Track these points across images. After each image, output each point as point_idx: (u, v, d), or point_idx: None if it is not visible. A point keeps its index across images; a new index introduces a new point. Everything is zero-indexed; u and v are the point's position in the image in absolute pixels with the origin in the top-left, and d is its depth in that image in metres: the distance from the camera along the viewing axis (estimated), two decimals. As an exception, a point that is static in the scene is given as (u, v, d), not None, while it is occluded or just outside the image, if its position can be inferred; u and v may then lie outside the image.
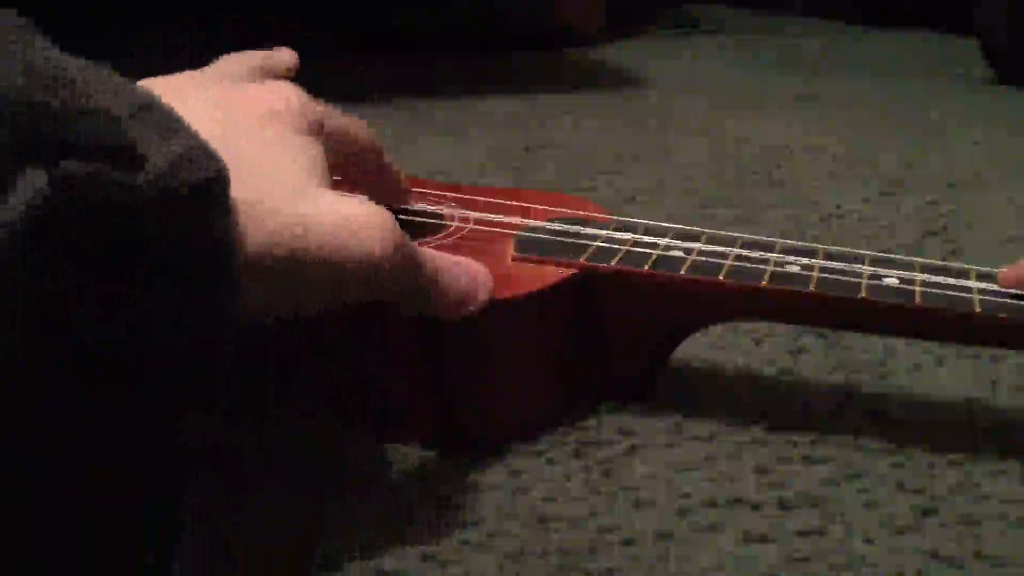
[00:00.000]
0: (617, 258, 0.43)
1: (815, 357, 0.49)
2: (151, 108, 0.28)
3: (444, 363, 0.40)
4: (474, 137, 0.92)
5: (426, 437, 0.41)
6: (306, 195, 0.33)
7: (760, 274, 0.42)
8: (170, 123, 0.28)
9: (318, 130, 0.37)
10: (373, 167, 0.43)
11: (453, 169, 0.81)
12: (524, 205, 0.49)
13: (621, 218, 0.48)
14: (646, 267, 0.43)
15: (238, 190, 0.29)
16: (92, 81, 0.27)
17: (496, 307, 0.39)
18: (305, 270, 0.31)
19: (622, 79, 1.21)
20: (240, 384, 0.39)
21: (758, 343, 0.50)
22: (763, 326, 0.51)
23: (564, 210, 0.49)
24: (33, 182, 0.24)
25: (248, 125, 0.34)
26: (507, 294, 0.40)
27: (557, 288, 0.42)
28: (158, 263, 0.26)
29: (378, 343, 0.41)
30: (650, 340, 0.44)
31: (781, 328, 0.51)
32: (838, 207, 0.72)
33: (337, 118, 0.40)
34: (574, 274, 0.42)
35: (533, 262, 0.43)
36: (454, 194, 0.51)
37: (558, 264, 0.43)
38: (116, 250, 0.26)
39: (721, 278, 0.42)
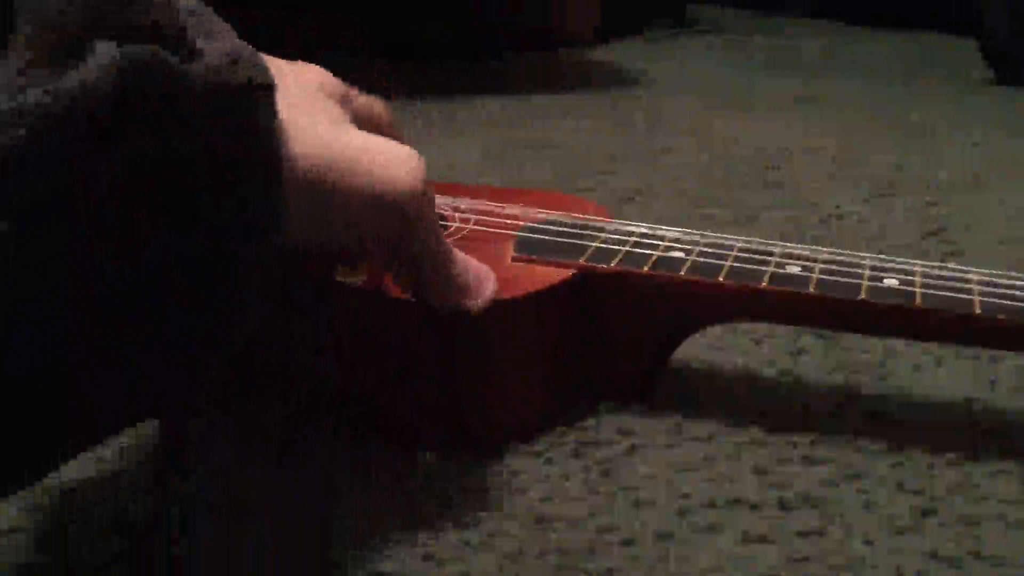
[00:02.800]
0: (617, 259, 0.43)
1: (815, 358, 0.49)
2: (203, 12, 0.29)
3: (444, 363, 0.40)
4: (469, 137, 0.92)
5: (426, 437, 0.41)
6: (340, 126, 0.34)
7: (760, 275, 0.42)
8: (223, 29, 0.29)
9: (347, 104, 0.38)
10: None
11: (449, 169, 0.81)
12: (524, 205, 0.49)
13: (621, 219, 0.48)
14: (646, 268, 0.43)
15: (279, 107, 0.30)
16: None
17: (496, 307, 0.38)
18: (342, 190, 0.33)
19: (619, 80, 1.21)
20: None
21: (758, 344, 0.50)
22: (763, 327, 0.51)
23: (564, 210, 0.49)
24: (106, 52, 0.25)
25: (286, 85, 0.35)
26: (507, 294, 0.40)
27: (557, 289, 0.42)
28: (207, 154, 0.27)
29: (381, 345, 0.41)
30: (650, 341, 0.44)
31: (781, 329, 0.51)
32: (837, 208, 0.72)
33: (360, 96, 0.41)
34: (574, 274, 0.42)
35: (533, 262, 0.43)
36: (454, 193, 0.51)
37: (558, 265, 0.43)
38: (169, 134, 0.27)
39: (721, 279, 0.42)
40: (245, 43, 0.29)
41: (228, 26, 0.30)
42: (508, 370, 0.41)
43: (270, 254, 0.30)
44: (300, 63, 0.39)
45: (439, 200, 0.50)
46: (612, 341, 0.44)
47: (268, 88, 0.29)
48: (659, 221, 0.48)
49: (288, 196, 0.31)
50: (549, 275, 0.42)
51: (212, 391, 0.32)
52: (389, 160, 0.34)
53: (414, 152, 0.35)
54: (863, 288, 0.41)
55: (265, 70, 0.29)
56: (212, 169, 0.27)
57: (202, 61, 0.27)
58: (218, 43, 0.28)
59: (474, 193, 0.51)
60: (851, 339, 0.50)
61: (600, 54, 1.35)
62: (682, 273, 0.42)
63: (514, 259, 0.43)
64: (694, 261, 0.43)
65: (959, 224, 0.68)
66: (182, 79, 0.27)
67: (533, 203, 0.50)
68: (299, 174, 0.31)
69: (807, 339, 0.51)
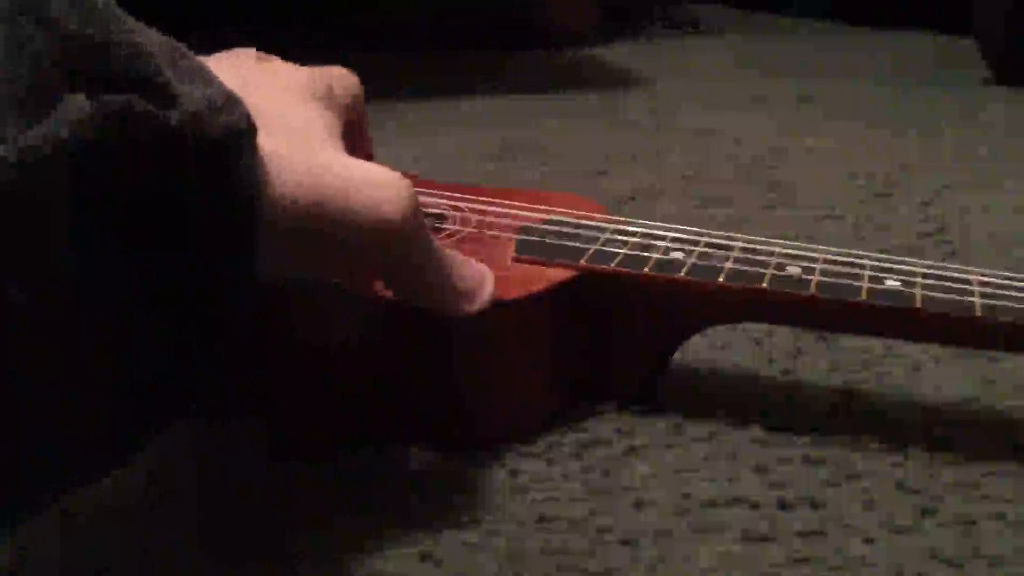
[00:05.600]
0: (617, 260, 0.43)
1: (815, 357, 0.49)
2: (184, 55, 0.29)
3: (445, 364, 0.40)
4: (467, 136, 0.92)
5: (426, 437, 0.41)
6: (328, 152, 0.34)
7: (760, 277, 0.42)
8: (201, 71, 0.29)
9: (327, 99, 0.37)
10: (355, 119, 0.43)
11: (445, 168, 0.81)
12: (525, 204, 0.49)
13: (621, 219, 0.48)
14: (646, 269, 0.43)
15: (264, 142, 0.30)
16: (131, 21, 0.28)
17: (496, 308, 0.38)
18: (326, 222, 0.32)
19: (617, 79, 1.21)
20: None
21: (758, 343, 0.50)
22: (763, 327, 0.51)
23: (565, 210, 0.49)
24: (76, 105, 0.25)
25: (266, 91, 0.35)
26: (508, 295, 0.40)
27: (557, 289, 0.42)
28: (185, 203, 0.27)
29: (377, 345, 0.41)
30: (650, 342, 0.44)
31: (781, 329, 0.51)
32: (834, 208, 0.72)
33: (329, 77, 0.40)
34: (574, 276, 0.42)
35: (533, 263, 0.43)
36: (454, 193, 0.51)
37: (558, 265, 0.43)
38: (146, 186, 0.26)
39: (721, 281, 0.42)
40: (226, 87, 0.29)
41: (209, 68, 0.30)
42: (508, 371, 0.41)
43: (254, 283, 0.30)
44: (274, 62, 0.38)
45: (440, 200, 0.50)
46: (613, 342, 0.44)
47: (249, 131, 0.29)
48: (662, 221, 0.48)
49: (276, 234, 0.30)
50: (549, 276, 0.42)
51: (206, 395, 0.32)
52: (379, 188, 0.33)
53: (398, 176, 0.34)
54: (863, 290, 0.41)
55: (245, 114, 0.29)
56: (190, 216, 0.27)
57: (181, 108, 0.27)
58: (199, 87, 0.28)
59: (474, 192, 0.51)
60: (851, 339, 0.50)
61: (598, 54, 1.35)
62: (682, 274, 0.42)
63: (514, 259, 0.43)
64: (694, 263, 0.43)
65: (958, 224, 0.68)
66: (159, 128, 0.26)
67: (533, 202, 0.50)
68: (288, 211, 0.31)
69: (807, 339, 0.51)
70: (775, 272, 0.42)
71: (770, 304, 0.42)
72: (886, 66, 1.29)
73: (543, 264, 0.43)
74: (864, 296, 0.41)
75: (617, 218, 0.48)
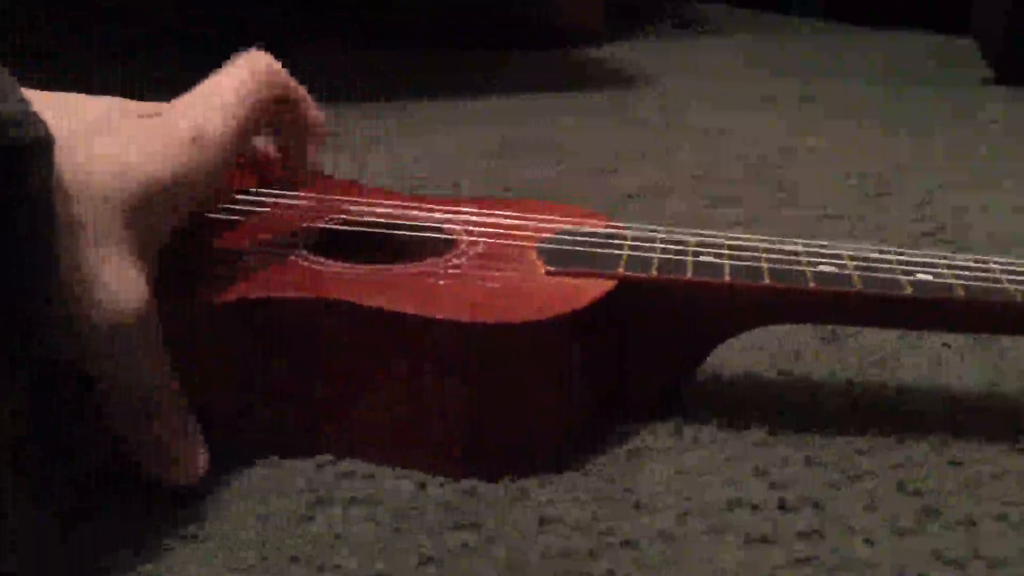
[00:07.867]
0: (655, 266, 0.42)
1: (816, 358, 0.49)
2: None
3: (487, 383, 0.39)
4: (475, 135, 0.92)
5: (452, 459, 0.39)
6: (97, 246, 0.34)
7: (803, 276, 0.41)
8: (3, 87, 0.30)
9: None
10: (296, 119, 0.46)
11: (453, 167, 0.81)
12: (527, 215, 0.47)
13: (623, 218, 0.47)
14: (689, 275, 0.41)
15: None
16: None
17: (557, 321, 0.38)
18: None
19: (623, 78, 1.21)
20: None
21: (758, 344, 0.50)
22: (763, 327, 0.51)
23: (570, 218, 0.47)
24: None
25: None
26: (566, 308, 0.39)
27: (605, 299, 0.40)
28: None
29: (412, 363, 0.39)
30: (680, 349, 0.43)
31: (782, 329, 0.51)
32: (836, 207, 0.72)
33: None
34: (617, 284, 0.41)
35: (569, 275, 0.42)
36: (442, 207, 0.49)
37: (597, 276, 0.41)
38: None
39: (767, 282, 0.41)
40: (21, 104, 0.30)
41: (13, 84, 0.31)
42: (562, 384, 0.40)
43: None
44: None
45: (426, 213, 0.48)
46: (646, 351, 0.42)
47: (40, 147, 0.30)
48: (663, 220, 0.48)
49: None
50: (592, 287, 0.41)
51: None
52: (106, 292, 0.33)
53: (130, 298, 0.34)
54: (906, 283, 0.41)
55: (38, 129, 0.30)
56: None
57: None
58: None
59: (465, 205, 0.49)
60: (852, 340, 0.50)
61: (604, 53, 1.36)
62: (726, 278, 0.41)
63: (548, 272, 0.42)
64: (732, 265, 0.42)
65: (958, 222, 0.68)
66: None
67: (532, 213, 0.48)
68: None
69: (807, 339, 0.51)
70: (813, 270, 0.42)
71: (815, 303, 0.41)
72: (887, 66, 1.29)
73: (579, 275, 0.41)
74: (909, 290, 0.40)
75: (622, 224, 0.47)
